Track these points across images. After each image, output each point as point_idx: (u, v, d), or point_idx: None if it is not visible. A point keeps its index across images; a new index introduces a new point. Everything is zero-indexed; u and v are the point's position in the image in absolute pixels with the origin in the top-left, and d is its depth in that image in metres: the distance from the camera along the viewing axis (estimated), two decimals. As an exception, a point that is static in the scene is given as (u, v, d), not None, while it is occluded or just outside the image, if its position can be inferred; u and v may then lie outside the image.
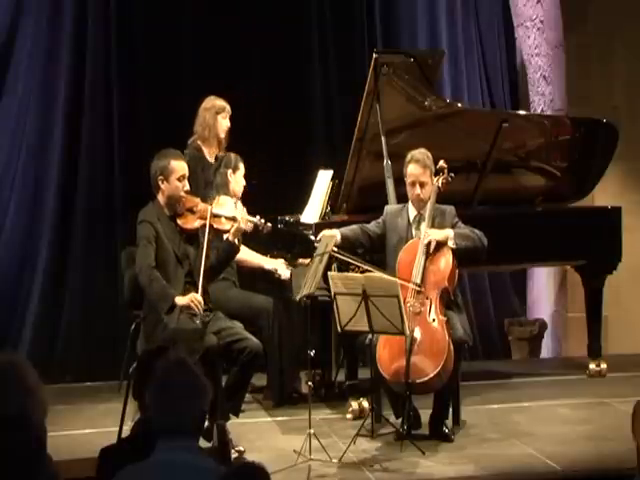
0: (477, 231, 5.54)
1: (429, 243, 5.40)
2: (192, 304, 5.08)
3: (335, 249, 5.34)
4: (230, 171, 6.20)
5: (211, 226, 5.28)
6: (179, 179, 5.25)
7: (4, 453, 2.53)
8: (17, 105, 7.56)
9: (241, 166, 6.26)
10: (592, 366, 6.71)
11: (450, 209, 5.63)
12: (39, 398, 2.73)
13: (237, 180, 6.23)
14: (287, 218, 6.41)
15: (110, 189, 7.64)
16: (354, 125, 6.30)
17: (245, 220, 5.34)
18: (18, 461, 2.55)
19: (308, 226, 6.20)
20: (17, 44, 7.53)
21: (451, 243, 5.44)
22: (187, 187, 5.29)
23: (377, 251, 5.67)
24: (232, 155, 6.24)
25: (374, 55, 6.19)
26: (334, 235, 5.36)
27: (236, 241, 5.33)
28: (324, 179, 6.49)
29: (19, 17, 7.54)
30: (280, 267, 6.26)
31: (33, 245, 7.52)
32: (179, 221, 5.30)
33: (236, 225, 5.30)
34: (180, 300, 5.10)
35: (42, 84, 7.57)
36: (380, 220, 5.70)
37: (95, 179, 7.64)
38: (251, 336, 5.29)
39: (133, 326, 5.72)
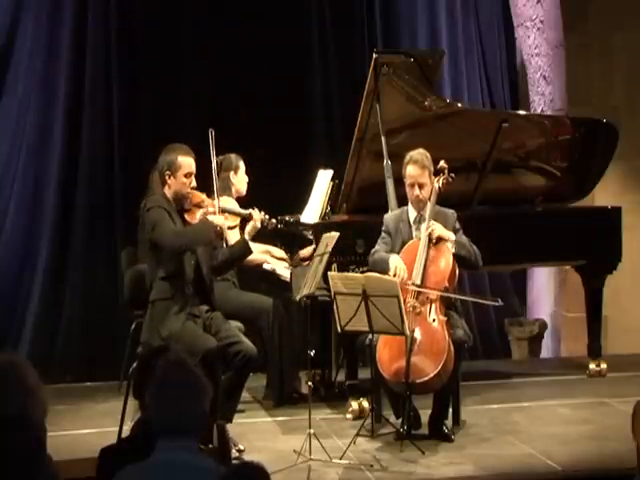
0: (476, 248, 5.52)
1: (431, 233, 5.40)
2: (224, 227, 5.16)
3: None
4: (232, 173, 6.21)
5: None
6: (186, 175, 5.18)
7: (4, 453, 2.53)
8: (17, 105, 7.57)
9: (241, 164, 6.28)
10: (592, 366, 6.71)
11: (452, 213, 5.61)
12: (39, 398, 2.72)
13: (240, 179, 6.25)
14: (287, 218, 6.41)
15: (110, 185, 7.65)
16: (354, 123, 6.30)
17: (259, 217, 5.32)
18: (18, 461, 2.55)
19: (308, 226, 6.20)
20: (17, 41, 7.54)
21: (450, 246, 5.43)
22: (194, 184, 5.22)
23: None
24: (231, 156, 6.23)
25: (374, 55, 6.19)
26: (334, 235, 5.35)
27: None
28: (324, 179, 6.49)
29: (19, 13, 7.55)
30: (279, 266, 6.27)
31: (33, 245, 7.52)
32: (186, 216, 5.24)
33: (252, 222, 5.30)
34: (217, 219, 5.15)
35: (42, 81, 7.57)
36: (384, 234, 5.64)
37: (95, 175, 7.65)
38: (246, 339, 5.25)
39: (133, 326, 5.73)
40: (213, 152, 5.42)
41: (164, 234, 5.09)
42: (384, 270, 5.37)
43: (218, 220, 5.16)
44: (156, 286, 5.20)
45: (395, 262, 5.41)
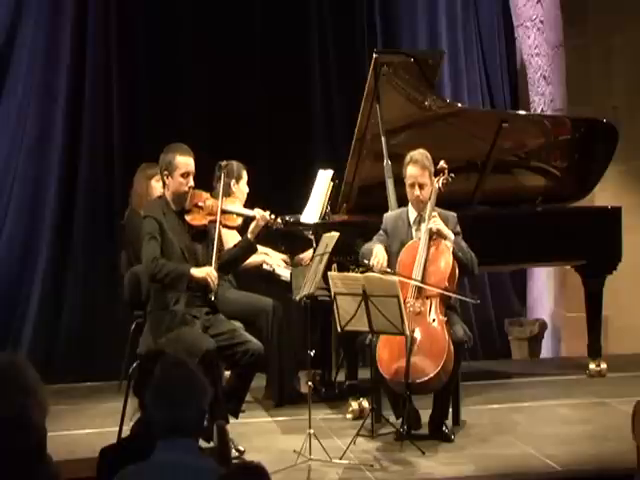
0: (473, 255, 5.51)
1: (432, 226, 5.39)
2: (208, 278, 5.05)
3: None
4: (233, 181, 6.18)
5: (220, 222, 5.20)
6: (183, 175, 5.13)
7: (4, 453, 2.53)
8: (17, 106, 7.57)
9: (244, 174, 6.24)
10: (592, 366, 6.71)
11: (453, 216, 5.60)
12: (39, 398, 2.72)
13: (240, 189, 6.22)
14: (287, 218, 6.41)
15: (110, 188, 7.65)
16: (354, 124, 6.30)
17: (263, 217, 5.28)
18: (18, 461, 2.55)
19: (308, 226, 6.20)
20: (17, 44, 7.55)
21: (449, 243, 5.42)
22: (191, 184, 5.17)
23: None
24: (234, 164, 6.19)
25: (374, 55, 6.18)
26: (334, 235, 5.34)
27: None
28: (324, 179, 6.48)
29: (19, 15, 7.55)
30: (279, 263, 6.26)
31: (33, 245, 7.53)
32: (187, 217, 5.20)
33: (255, 222, 5.26)
34: (197, 272, 5.06)
35: (42, 84, 7.58)
36: (381, 232, 5.65)
37: (95, 178, 7.65)
38: (252, 338, 5.25)
39: (133, 326, 5.72)
40: (221, 187, 5.38)
41: (143, 256, 5.11)
42: (367, 258, 5.42)
43: (199, 273, 5.07)
44: (153, 294, 5.20)
45: (377, 249, 5.44)
